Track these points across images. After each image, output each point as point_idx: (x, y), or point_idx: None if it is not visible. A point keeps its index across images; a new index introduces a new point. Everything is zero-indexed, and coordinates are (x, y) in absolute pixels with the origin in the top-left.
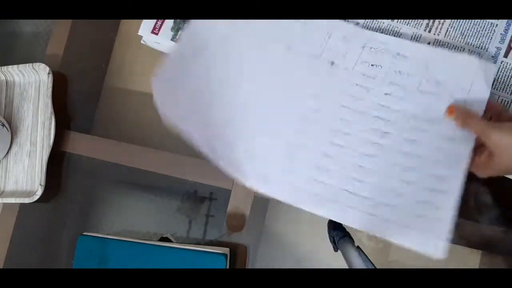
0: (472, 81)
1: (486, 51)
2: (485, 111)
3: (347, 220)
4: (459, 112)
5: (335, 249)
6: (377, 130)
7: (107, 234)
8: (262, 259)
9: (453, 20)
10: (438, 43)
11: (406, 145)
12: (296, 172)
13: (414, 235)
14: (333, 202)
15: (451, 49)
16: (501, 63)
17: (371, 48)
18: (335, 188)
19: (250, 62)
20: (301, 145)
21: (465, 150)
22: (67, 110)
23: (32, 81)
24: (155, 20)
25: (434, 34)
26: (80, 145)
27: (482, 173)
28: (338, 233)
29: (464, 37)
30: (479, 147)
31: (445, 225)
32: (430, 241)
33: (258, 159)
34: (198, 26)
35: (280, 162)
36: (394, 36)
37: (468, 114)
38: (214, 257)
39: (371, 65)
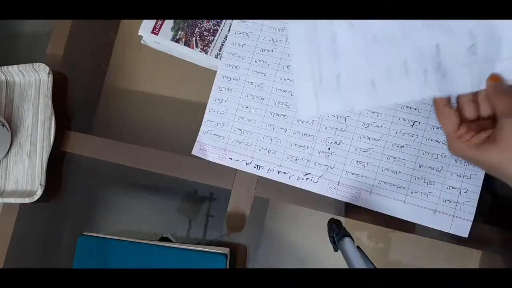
0: None
1: None
2: None
3: (383, 209)
4: (499, 82)
5: (335, 249)
6: (407, 120)
7: (107, 234)
8: (262, 259)
9: None
10: None
11: (434, 132)
12: (334, 168)
13: (444, 218)
14: (370, 193)
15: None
16: None
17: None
18: (372, 180)
19: None
20: (337, 142)
21: None
22: (67, 110)
23: (32, 81)
24: (155, 20)
25: None
26: (80, 145)
27: (464, 153)
28: (338, 233)
29: None
30: (478, 126)
31: (471, 207)
32: (458, 223)
33: (299, 160)
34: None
35: (319, 160)
36: None
37: (503, 88)
38: (214, 257)
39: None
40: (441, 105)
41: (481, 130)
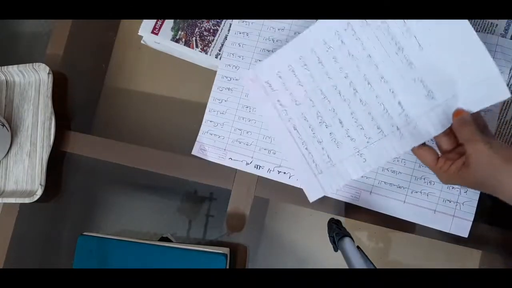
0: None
1: None
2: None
3: (382, 209)
4: (461, 116)
5: (335, 249)
6: None
7: (107, 234)
8: (262, 259)
9: None
10: None
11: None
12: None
13: (444, 218)
14: (370, 193)
15: None
16: None
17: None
18: (372, 180)
19: None
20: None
21: None
22: (67, 110)
23: (32, 81)
24: (155, 20)
25: None
26: (80, 145)
27: (451, 181)
28: (338, 233)
29: None
30: (456, 154)
31: (471, 207)
32: (458, 223)
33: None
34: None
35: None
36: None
37: (465, 120)
38: (214, 257)
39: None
40: (415, 148)
41: (460, 157)
